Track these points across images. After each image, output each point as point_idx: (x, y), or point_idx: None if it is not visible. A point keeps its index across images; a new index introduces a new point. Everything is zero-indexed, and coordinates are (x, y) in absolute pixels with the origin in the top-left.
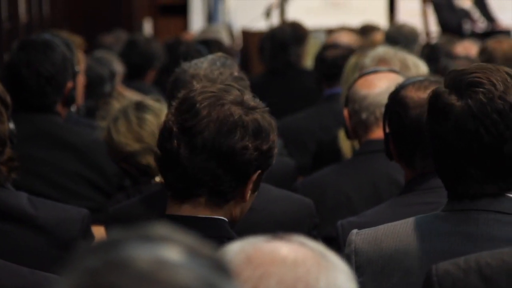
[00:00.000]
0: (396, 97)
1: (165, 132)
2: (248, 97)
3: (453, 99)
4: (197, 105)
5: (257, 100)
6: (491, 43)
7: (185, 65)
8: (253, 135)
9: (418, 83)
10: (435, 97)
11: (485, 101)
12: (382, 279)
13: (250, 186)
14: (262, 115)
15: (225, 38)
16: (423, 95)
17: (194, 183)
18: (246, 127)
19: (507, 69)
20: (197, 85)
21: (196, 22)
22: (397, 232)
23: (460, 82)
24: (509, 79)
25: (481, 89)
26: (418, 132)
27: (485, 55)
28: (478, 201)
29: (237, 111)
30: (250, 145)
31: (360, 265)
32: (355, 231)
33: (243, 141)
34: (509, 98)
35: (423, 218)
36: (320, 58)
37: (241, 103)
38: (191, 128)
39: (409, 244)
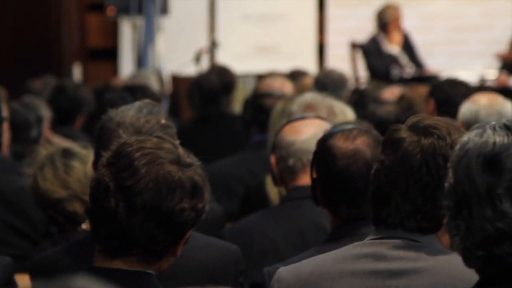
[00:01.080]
0: (324, 145)
1: (100, 188)
2: (183, 152)
3: (408, 134)
4: (135, 162)
5: (191, 156)
6: (408, 90)
7: (112, 113)
8: (190, 195)
9: (347, 132)
10: (392, 130)
11: (436, 143)
12: None
13: (183, 243)
14: (197, 172)
15: (154, 83)
16: (351, 145)
17: (129, 242)
18: (184, 187)
19: (464, 131)
20: (131, 139)
21: (126, 67)
22: (316, 258)
23: (419, 123)
24: (461, 135)
25: (436, 132)
26: (345, 182)
27: (405, 102)
28: (396, 231)
29: (175, 170)
30: (187, 206)
31: None
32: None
33: (181, 202)
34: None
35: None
36: (255, 105)
37: (177, 161)
38: (130, 188)
39: (324, 266)
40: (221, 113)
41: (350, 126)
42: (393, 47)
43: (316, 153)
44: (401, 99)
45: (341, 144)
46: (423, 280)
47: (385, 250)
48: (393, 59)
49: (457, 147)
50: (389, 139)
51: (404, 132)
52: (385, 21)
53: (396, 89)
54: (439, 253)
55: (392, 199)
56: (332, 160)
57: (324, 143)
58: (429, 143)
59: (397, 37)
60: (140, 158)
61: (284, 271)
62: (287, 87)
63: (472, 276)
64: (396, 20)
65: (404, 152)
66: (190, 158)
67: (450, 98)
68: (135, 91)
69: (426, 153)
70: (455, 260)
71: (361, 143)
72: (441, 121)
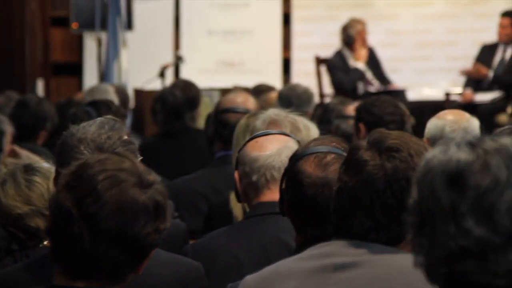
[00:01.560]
0: (295, 167)
1: (62, 213)
2: (143, 170)
3: (370, 156)
4: (98, 187)
5: (152, 173)
6: None
7: (73, 129)
8: (154, 218)
9: (321, 156)
10: (355, 150)
11: (399, 167)
12: None
13: (146, 262)
14: (159, 191)
15: (113, 98)
16: (321, 173)
17: (93, 267)
18: (148, 210)
19: (424, 144)
20: (91, 158)
21: (90, 82)
22: (279, 262)
23: (381, 143)
24: (424, 153)
25: (398, 155)
26: (311, 208)
27: None
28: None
29: (138, 193)
30: (151, 229)
31: None
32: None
33: (146, 226)
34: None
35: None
36: (217, 120)
37: (139, 183)
38: (94, 215)
39: (281, 266)
40: (185, 128)
41: (326, 149)
42: (358, 63)
43: (286, 171)
44: None
45: (311, 170)
46: (366, 272)
47: (336, 248)
48: (358, 74)
49: (422, 163)
50: (352, 160)
51: (366, 154)
52: (350, 36)
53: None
54: (387, 250)
55: (356, 217)
56: (300, 187)
57: (295, 164)
58: (392, 167)
59: (362, 52)
60: (102, 181)
61: (249, 276)
62: (251, 102)
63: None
64: (361, 35)
65: (368, 175)
66: (151, 176)
67: (380, 119)
68: (100, 106)
69: (389, 177)
70: (402, 256)
71: (333, 172)
72: (402, 140)
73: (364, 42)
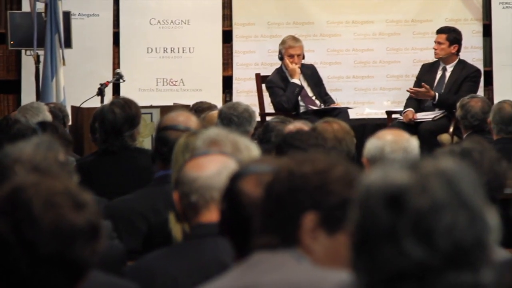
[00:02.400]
0: (235, 187)
1: None
2: (77, 191)
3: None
4: (35, 212)
5: (86, 193)
6: (320, 124)
7: (8, 148)
8: (90, 239)
9: (260, 175)
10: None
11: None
12: None
13: (82, 283)
14: (93, 211)
15: (46, 116)
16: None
17: None
18: (84, 233)
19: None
20: (25, 181)
21: (28, 99)
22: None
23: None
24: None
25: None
26: (249, 229)
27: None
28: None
29: (73, 216)
30: (88, 251)
31: None
32: None
33: (83, 249)
34: None
35: None
36: (157, 138)
37: (75, 205)
38: (32, 241)
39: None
40: (124, 146)
41: (264, 168)
42: (295, 79)
43: (226, 190)
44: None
45: (251, 190)
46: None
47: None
48: (297, 91)
49: (361, 185)
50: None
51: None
52: (280, 52)
53: (301, 123)
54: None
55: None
56: (240, 206)
57: (235, 183)
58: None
59: (294, 69)
60: (38, 206)
61: None
62: (192, 121)
63: None
64: (288, 51)
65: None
66: (85, 197)
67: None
68: (46, 127)
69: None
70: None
71: None
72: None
73: (295, 59)
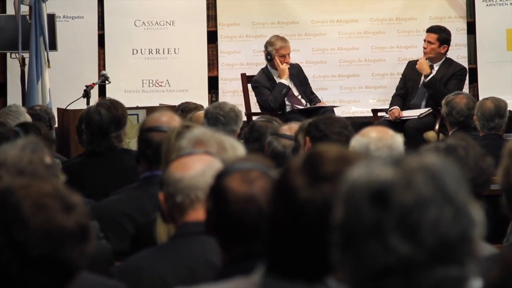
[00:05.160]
0: (220, 184)
1: None
2: (66, 193)
3: (302, 183)
4: (24, 214)
5: (75, 195)
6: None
7: None
8: (80, 241)
9: (245, 172)
10: (286, 173)
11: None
12: None
13: (71, 285)
14: (81, 213)
15: (26, 118)
16: (247, 189)
17: None
18: (74, 235)
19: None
20: (13, 184)
21: (14, 102)
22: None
23: (316, 168)
24: None
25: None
26: (236, 225)
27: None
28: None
29: (63, 218)
30: (78, 253)
31: None
32: None
33: (72, 251)
34: None
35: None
36: (142, 140)
37: (63, 207)
38: (22, 244)
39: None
40: (111, 147)
41: (249, 165)
42: (283, 79)
43: (212, 188)
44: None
45: (237, 186)
46: None
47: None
48: (284, 91)
49: (345, 181)
50: (282, 186)
51: (298, 179)
52: (269, 53)
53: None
54: None
55: (283, 248)
56: (226, 203)
57: (220, 181)
58: (323, 199)
59: (284, 69)
60: (27, 209)
61: None
62: (175, 121)
63: None
64: (279, 52)
65: (299, 206)
66: (74, 198)
67: (325, 136)
68: (28, 128)
69: (320, 211)
70: None
71: (258, 188)
72: (337, 165)
73: (284, 58)
